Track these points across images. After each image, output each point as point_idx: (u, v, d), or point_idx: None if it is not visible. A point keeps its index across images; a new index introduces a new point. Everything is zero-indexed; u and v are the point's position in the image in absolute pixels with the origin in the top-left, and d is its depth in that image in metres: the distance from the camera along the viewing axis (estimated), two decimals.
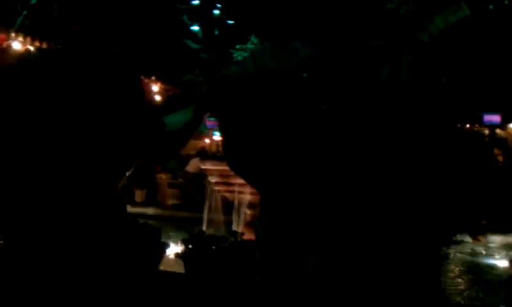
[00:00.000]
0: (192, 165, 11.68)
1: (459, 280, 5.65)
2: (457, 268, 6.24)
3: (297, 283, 1.44)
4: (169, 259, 4.40)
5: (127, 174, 2.00)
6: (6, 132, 1.78)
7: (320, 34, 1.48)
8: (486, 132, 13.02)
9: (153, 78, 14.19)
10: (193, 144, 15.81)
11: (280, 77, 1.44)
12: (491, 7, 11.74)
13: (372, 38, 1.47)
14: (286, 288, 1.46)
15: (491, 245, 7.85)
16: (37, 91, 1.78)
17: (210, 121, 14.46)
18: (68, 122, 1.76)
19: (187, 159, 12.14)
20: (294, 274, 1.45)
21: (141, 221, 4.02)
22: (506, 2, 11.60)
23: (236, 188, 5.29)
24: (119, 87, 1.84)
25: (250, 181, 1.55)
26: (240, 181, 5.16)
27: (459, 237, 8.09)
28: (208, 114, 2.00)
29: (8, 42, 11.00)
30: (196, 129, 2.00)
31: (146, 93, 2.01)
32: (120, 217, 1.93)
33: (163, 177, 11.82)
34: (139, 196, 11.60)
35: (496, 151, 12.89)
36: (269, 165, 1.41)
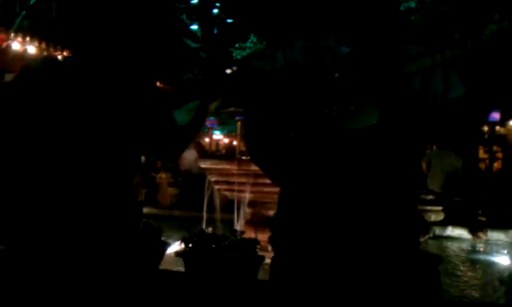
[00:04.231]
0: (184, 160, 11.68)
1: (459, 277, 5.66)
2: (456, 265, 6.24)
3: (309, 278, 1.46)
4: (169, 258, 4.40)
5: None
6: (13, 137, 1.78)
7: (360, 36, 1.47)
8: (486, 128, 12.99)
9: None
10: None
11: (310, 73, 1.43)
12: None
13: (411, 45, 1.46)
14: (297, 283, 1.48)
15: (492, 241, 7.86)
16: (43, 97, 1.79)
17: (210, 121, 14.46)
18: (75, 124, 1.76)
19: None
20: (306, 270, 1.47)
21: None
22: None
23: (236, 187, 5.28)
24: (126, 85, 1.84)
25: (271, 175, 1.52)
26: (241, 179, 5.18)
27: (459, 234, 8.11)
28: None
29: (7, 42, 11.00)
30: (203, 124, 2.00)
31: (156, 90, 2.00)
32: (135, 214, 1.93)
33: (163, 176, 11.83)
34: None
35: (495, 147, 12.90)
36: (289, 160, 1.40)
